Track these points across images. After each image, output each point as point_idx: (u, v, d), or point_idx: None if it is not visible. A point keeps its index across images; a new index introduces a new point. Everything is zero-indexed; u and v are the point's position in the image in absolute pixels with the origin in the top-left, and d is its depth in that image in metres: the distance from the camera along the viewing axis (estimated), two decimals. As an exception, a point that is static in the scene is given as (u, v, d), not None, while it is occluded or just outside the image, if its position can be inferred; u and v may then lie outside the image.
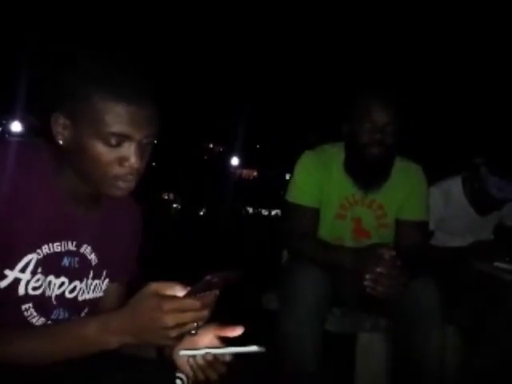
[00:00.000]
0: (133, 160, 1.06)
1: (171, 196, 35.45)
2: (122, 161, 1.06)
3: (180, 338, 0.98)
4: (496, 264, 2.26)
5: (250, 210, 39.14)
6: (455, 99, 16.08)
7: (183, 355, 1.07)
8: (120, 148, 1.05)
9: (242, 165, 38.13)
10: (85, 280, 1.18)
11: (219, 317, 1.09)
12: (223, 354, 1.06)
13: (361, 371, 2.20)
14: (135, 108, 1.03)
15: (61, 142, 1.07)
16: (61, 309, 1.14)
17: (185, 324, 0.94)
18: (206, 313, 0.96)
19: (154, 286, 0.96)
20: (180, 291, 0.97)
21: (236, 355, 1.05)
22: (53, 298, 1.13)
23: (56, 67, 1.10)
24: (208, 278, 0.93)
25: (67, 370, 0.99)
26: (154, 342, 0.97)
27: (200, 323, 0.97)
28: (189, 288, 0.97)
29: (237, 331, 1.08)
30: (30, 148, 1.13)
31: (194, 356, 1.07)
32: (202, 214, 30.54)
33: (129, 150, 1.05)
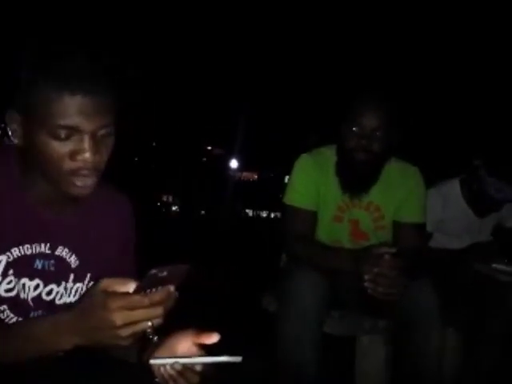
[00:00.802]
0: (86, 154, 1.00)
1: (170, 198, 35.44)
2: (73, 155, 1.01)
3: (134, 337, 0.91)
4: (494, 266, 2.26)
5: (250, 212, 39.13)
6: (454, 101, 16.10)
7: (153, 364, 1.02)
8: (70, 141, 1.00)
9: (242, 167, 38.13)
10: (63, 283, 1.14)
11: (219, 318, 1.08)
12: (193, 364, 1.01)
13: (360, 373, 2.20)
14: (80, 97, 0.97)
15: (16, 141, 1.04)
16: (39, 311, 1.11)
17: (136, 322, 0.89)
18: (159, 310, 0.90)
19: (104, 283, 0.91)
20: (133, 288, 0.91)
21: (210, 365, 1.01)
22: (29, 301, 1.10)
23: (10, 63, 1.07)
24: (153, 271, 0.86)
25: (44, 373, 0.98)
26: (104, 342, 0.91)
27: (155, 322, 0.91)
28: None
29: (212, 338, 1.01)
30: (1, 151, 1.10)
31: (163, 365, 1.03)
32: (201, 215, 30.51)
33: (80, 144, 1.00)
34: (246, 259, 6.90)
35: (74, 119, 0.98)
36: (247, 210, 38.73)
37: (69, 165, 1.01)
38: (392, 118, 1.95)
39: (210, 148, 40.74)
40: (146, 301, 0.88)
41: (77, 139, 1.00)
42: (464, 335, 2.28)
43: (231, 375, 1.10)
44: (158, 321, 0.91)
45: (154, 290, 0.89)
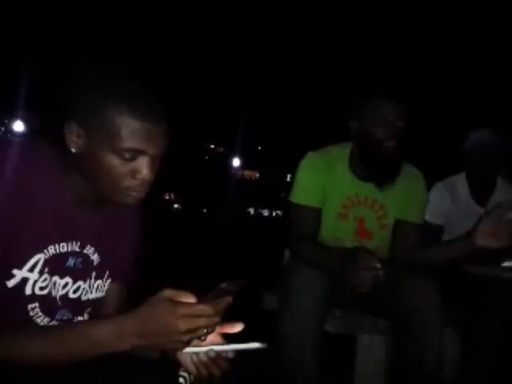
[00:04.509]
0: (145, 173, 1.08)
1: (172, 196, 35.49)
2: (134, 174, 1.08)
3: (189, 342, 0.99)
4: (498, 266, 2.26)
5: (251, 210, 39.18)
6: (457, 103, 16.10)
7: (186, 352, 1.07)
8: (133, 162, 1.07)
9: (244, 166, 38.17)
10: (88, 280, 1.19)
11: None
12: (226, 351, 1.08)
13: (361, 372, 2.20)
14: (150, 124, 1.05)
15: (74, 150, 1.08)
16: (65, 309, 1.15)
17: (196, 329, 0.96)
18: (217, 319, 0.98)
19: (168, 293, 0.97)
20: (193, 299, 0.99)
21: (239, 352, 1.07)
22: (58, 299, 1.14)
23: (70, 75, 1.10)
24: (223, 285, 0.96)
25: (68, 370, 0.99)
26: (165, 345, 0.98)
27: (210, 329, 0.98)
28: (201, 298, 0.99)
29: (236, 328, 1.08)
30: (37, 149, 1.13)
31: (197, 353, 1.08)
32: (202, 214, 30.54)
33: (142, 164, 1.07)
34: (247, 258, 6.91)
35: (141, 144, 1.05)
36: (249, 209, 38.76)
37: (128, 182, 1.08)
38: (407, 110, 1.97)
39: (212, 146, 40.81)
40: (211, 310, 0.95)
41: (139, 160, 1.07)
42: (463, 335, 2.29)
43: (230, 374, 1.11)
44: (212, 329, 0.99)
45: (214, 300, 0.97)
